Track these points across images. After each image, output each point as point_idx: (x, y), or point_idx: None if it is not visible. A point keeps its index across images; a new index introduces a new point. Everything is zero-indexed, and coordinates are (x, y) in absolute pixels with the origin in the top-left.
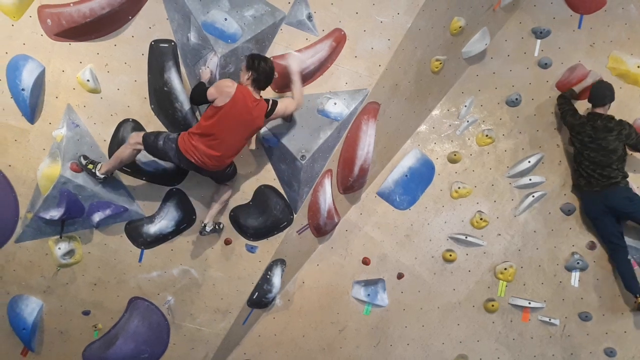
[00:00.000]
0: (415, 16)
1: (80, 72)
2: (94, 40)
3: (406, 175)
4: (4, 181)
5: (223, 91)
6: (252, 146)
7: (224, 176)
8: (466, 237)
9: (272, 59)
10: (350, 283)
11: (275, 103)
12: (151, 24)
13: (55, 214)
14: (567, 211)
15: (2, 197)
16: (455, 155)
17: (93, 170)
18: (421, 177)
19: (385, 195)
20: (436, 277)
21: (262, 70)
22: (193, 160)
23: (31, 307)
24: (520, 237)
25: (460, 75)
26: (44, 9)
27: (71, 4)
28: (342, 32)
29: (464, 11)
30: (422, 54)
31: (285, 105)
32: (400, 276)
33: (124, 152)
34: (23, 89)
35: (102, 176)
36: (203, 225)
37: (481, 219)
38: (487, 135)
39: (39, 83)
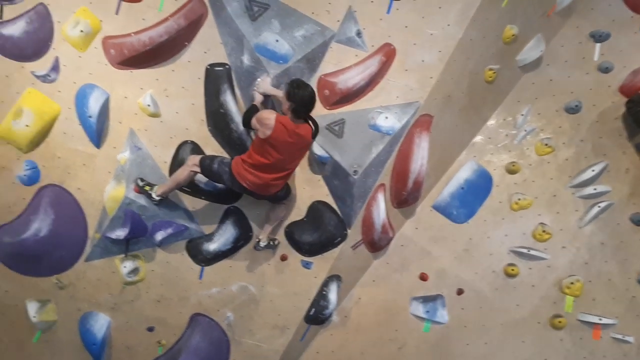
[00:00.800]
0: (466, 27)
1: (141, 98)
2: (154, 67)
3: (462, 188)
4: (74, 203)
5: (263, 123)
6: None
7: (277, 197)
8: (528, 251)
9: (321, 76)
10: (408, 299)
11: (316, 123)
12: (206, 48)
13: (120, 233)
14: (638, 221)
15: (72, 219)
16: (513, 165)
17: (149, 192)
18: (478, 189)
19: (441, 209)
20: (498, 292)
21: (300, 100)
22: (245, 185)
23: (100, 323)
24: (586, 250)
25: (515, 83)
26: (108, 39)
27: (132, 34)
28: (392, 47)
29: (517, 19)
30: (475, 64)
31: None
32: (460, 292)
33: (181, 174)
34: (90, 116)
35: (158, 198)
36: (257, 240)
37: (544, 231)
38: (546, 144)
39: (104, 110)
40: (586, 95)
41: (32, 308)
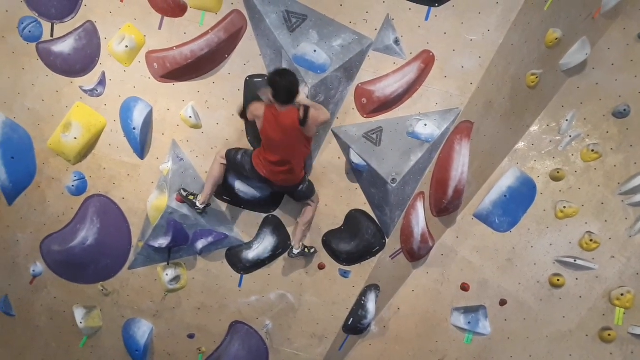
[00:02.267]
0: (507, 32)
1: (183, 110)
2: (195, 79)
3: (505, 196)
4: (118, 213)
5: (254, 114)
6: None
7: (300, 194)
8: (575, 260)
9: (359, 85)
10: (449, 310)
11: (307, 108)
12: (246, 60)
13: (163, 242)
14: None
15: (117, 228)
16: (558, 172)
17: (194, 201)
18: (522, 197)
19: (483, 217)
20: (543, 303)
21: (279, 86)
22: (262, 174)
23: (143, 330)
24: (638, 260)
25: (559, 88)
26: (151, 54)
27: (174, 48)
28: (431, 53)
29: (560, 22)
30: (517, 70)
31: (317, 112)
32: (503, 303)
33: (213, 169)
34: (134, 128)
35: (202, 206)
36: (290, 247)
37: (591, 240)
38: (593, 150)
39: (148, 122)
40: (635, 99)
41: (79, 314)
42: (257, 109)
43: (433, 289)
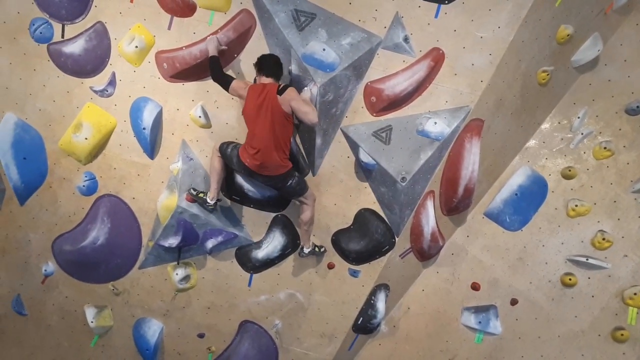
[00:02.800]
0: (517, 28)
1: (192, 110)
2: (204, 79)
3: (516, 194)
4: (129, 212)
5: (238, 93)
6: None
7: (290, 189)
8: (587, 259)
9: (368, 83)
10: (459, 309)
11: (286, 86)
12: (255, 60)
13: (173, 241)
14: None
15: (128, 227)
16: (570, 170)
17: (204, 198)
18: (533, 195)
19: (493, 216)
20: (554, 303)
21: (264, 59)
22: (247, 164)
23: (153, 330)
24: None
25: (570, 85)
26: (161, 54)
27: (183, 48)
28: (440, 51)
29: (572, 18)
30: (527, 67)
31: (301, 99)
32: (514, 302)
33: (213, 164)
34: (144, 128)
35: (213, 202)
36: (300, 247)
37: (604, 239)
38: (605, 148)
39: (157, 121)
40: None
41: (90, 313)
42: (241, 87)
43: (443, 288)
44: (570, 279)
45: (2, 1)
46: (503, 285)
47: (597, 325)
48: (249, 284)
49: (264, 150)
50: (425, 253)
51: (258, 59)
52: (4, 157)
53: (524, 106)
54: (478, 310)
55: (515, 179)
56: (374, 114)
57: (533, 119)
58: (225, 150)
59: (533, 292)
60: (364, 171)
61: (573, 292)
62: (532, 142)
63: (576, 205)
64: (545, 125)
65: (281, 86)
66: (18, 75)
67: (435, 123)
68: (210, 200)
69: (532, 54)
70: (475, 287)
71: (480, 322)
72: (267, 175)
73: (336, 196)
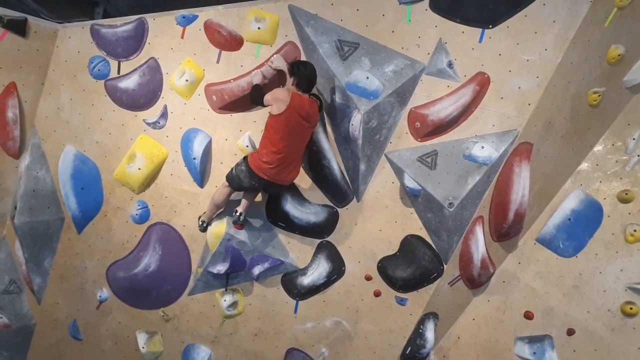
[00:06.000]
0: (565, 50)
1: (240, 139)
2: (251, 110)
3: (569, 219)
4: (179, 240)
5: (279, 99)
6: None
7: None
8: None
9: (412, 109)
10: (512, 339)
11: (320, 98)
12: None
13: (221, 268)
14: None
15: (178, 254)
16: (626, 194)
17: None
18: (587, 220)
19: (546, 242)
20: (615, 333)
21: (303, 74)
22: (264, 177)
23: (201, 356)
24: None
25: (623, 106)
26: (210, 87)
27: (231, 80)
28: (486, 75)
29: (622, 37)
30: (577, 88)
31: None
32: (570, 332)
33: (216, 192)
34: (194, 158)
35: (201, 223)
36: (237, 213)
37: None
38: None
39: (207, 151)
40: None
41: (141, 339)
42: (283, 94)
43: (495, 317)
44: (631, 308)
45: (64, 42)
46: (558, 314)
47: None
48: (295, 311)
49: (296, 163)
50: (476, 280)
51: (307, 73)
52: (64, 188)
53: (574, 128)
54: (532, 340)
55: (567, 203)
56: (419, 140)
57: (585, 142)
58: (230, 174)
59: (591, 321)
60: (410, 197)
61: (635, 322)
62: (584, 165)
63: (635, 230)
64: (598, 148)
65: (318, 104)
66: (78, 110)
67: (483, 147)
68: (199, 221)
69: (582, 75)
70: (528, 316)
71: (535, 353)
72: (280, 185)
73: (381, 222)
